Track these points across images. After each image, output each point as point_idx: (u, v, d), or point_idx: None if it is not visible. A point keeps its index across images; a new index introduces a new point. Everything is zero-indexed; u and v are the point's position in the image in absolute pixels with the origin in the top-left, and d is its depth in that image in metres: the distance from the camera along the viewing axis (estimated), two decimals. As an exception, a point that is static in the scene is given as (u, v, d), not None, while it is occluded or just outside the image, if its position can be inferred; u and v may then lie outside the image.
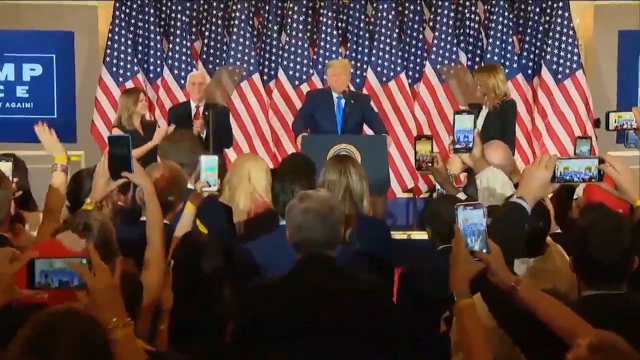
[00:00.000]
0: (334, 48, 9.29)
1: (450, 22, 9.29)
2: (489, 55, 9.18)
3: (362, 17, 9.51)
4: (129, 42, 9.16)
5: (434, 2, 9.56)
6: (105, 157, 3.30)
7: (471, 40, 9.50)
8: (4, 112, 9.21)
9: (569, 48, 9.07)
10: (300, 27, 9.30)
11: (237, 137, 8.78)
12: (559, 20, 9.12)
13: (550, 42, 9.14)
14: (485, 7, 9.64)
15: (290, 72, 9.25)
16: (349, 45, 9.50)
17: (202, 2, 9.57)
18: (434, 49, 9.28)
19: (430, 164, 4.49)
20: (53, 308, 2.04)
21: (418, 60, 9.48)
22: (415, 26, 9.51)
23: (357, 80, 9.28)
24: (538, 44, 9.39)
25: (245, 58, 9.17)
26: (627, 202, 2.93)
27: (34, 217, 4.25)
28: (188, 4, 9.39)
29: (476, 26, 9.51)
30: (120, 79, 9.10)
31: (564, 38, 9.10)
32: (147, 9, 9.35)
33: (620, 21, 9.28)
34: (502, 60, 9.02)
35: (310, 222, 2.98)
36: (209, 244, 3.39)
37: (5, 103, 9.23)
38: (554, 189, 3.16)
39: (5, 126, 9.00)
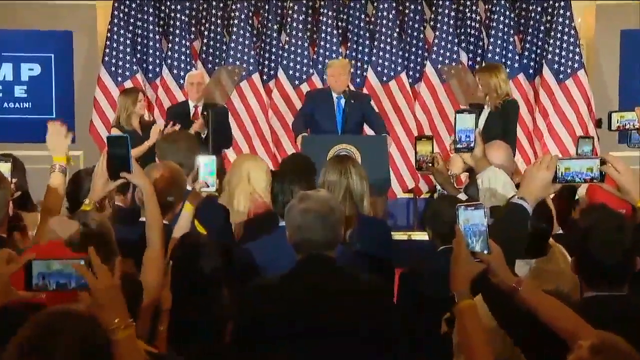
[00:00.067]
0: (334, 48, 9.28)
1: (451, 22, 9.27)
2: (490, 55, 9.15)
3: (363, 16, 9.49)
4: (128, 42, 9.15)
5: (435, 1, 9.54)
6: (104, 158, 3.28)
7: (472, 39, 9.48)
8: (2, 112, 9.20)
9: (571, 48, 9.06)
10: (300, 26, 9.28)
11: (236, 137, 8.77)
12: (560, 19, 9.11)
13: (551, 41, 9.11)
14: (486, 6, 9.62)
15: (290, 72, 9.24)
16: (349, 44, 9.48)
17: (201, 1, 9.56)
18: (435, 48, 9.26)
19: (430, 165, 4.49)
20: (53, 308, 2.03)
21: (419, 59, 9.47)
22: (416, 25, 9.49)
23: (358, 80, 9.27)
24: (539, 43, 9.38)
25: (245, 58, 9.16)
26: (629, 202, 2.92)
27: (33, 218, 4.23)
28: (187, 4, 9.37)
29: (477, 25, 9.49)
30: (119, 79, 9.09)
31: (565, 37, 9.08)
32: (146, 9, 9.33)
33: (622, 21, 9.27)
34: (503, 60, 9.00)
35: (310, 222, 2.98)
36: (207, 244, 3.38)
37: (3, 103, 9.22)
38: (556, 190, 3.15)
39: (4, 126, 8.99)
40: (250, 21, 9.40)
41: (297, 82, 9.21)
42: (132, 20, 9.33)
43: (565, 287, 3.06)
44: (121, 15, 9.19)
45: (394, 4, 9.38)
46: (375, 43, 9.29)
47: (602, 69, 9.56)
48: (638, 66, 9.18)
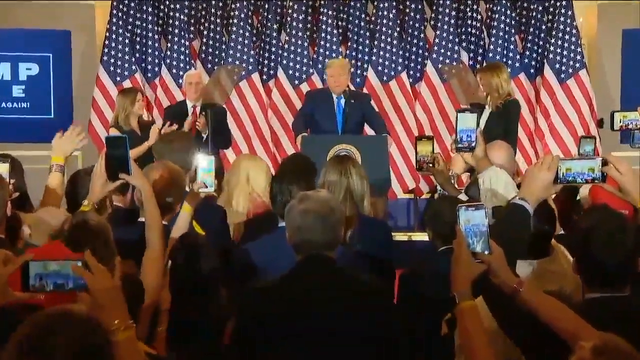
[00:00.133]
0: (334, 47, 9.26)
1: (452, 21, 9.26)
2: (490, 55, 9.14)
3: (363, 15, 9.48)
4: (127, 41, 9.13)
5: (435, 0, 9.53)
6: (103, 158, 3.26)
7: (473, 39, 9.47)
8: (0, 112, 9.18)
9: (572, 47, 9.05)
10: (300, 26, 9.27)
11: (236, 137, 8.75)
12: (562, 19, 9.09)
13: (553, 41, 9.10)
14: (487, 5, 9.61)
15: (290, 72, 9.22)
16: (349, 44, 9.47)
17: (200, 0, 9.54)
18: (435, 48, 9.25)
19: (431, 165, 4.47)
20: (51, 309, 2.02)
21: (419, 59, 9.46)
22: (417, 25, 9.48)
23: (358, 79, 9.26)
24: (541, 43, 9.36)
25: (245, 57, 9.15)
26: (631, 203, 2.90)
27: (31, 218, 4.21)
28: (186, 3, 9.36)
29: (478, 25, 9.48)
30: (118, 79, 9.07)
31: (567, 37, 9.06)
32: (145, 8, 9.32)
33: (624, 20, 9.25)
34: (504, 60, 8.98)
35: (310, 223, 2.97)
36: (206, 245, 3.37)
37: (1, 103, 9.17)
38: (557, 190, 3.13)
39: (1, 126, 8.95)
40: (249, 21, 9.39)
41: (296, 82, 9.19)
42: (131, 20, 9.32)
43: (568, 287, 3.05)
44: (120, 14, 9.17)
45: (394, 3, 9.37)
46: (376, 42, 9.27)
47: (604, 68, 9.55)
48: (640, 65, 9.17)
